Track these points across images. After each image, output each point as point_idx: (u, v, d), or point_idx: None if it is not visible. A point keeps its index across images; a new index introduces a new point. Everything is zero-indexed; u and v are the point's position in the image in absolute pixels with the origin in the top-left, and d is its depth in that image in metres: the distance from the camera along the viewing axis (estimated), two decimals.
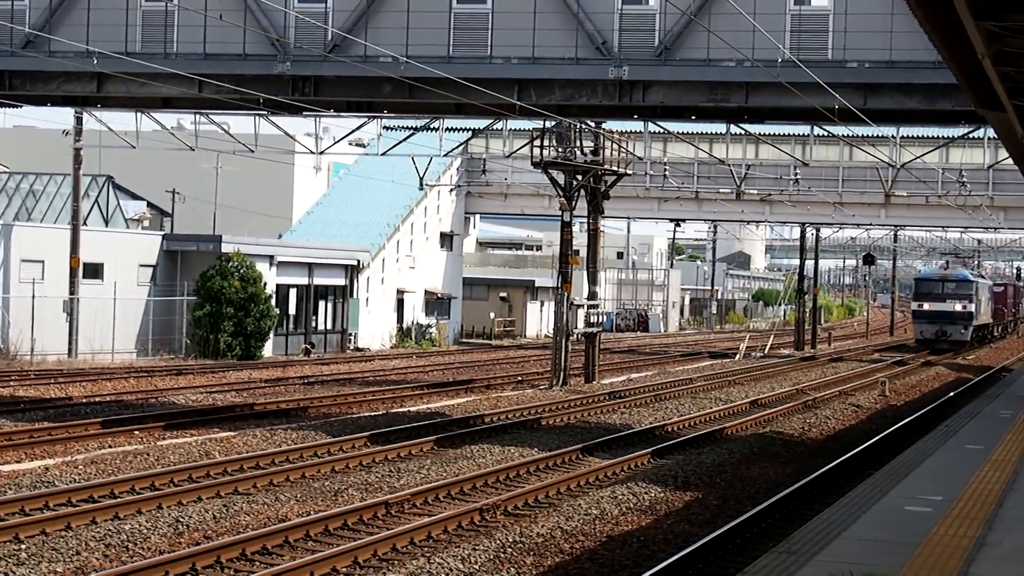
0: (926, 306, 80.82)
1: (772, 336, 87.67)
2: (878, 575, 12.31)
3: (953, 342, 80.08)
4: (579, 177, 47.08)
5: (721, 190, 70.52)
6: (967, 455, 21.06)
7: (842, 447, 31.49)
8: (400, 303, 74.50)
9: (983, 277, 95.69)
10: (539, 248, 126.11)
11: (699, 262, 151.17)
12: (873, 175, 66.82)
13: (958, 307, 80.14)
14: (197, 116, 41.97)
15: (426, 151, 52.93)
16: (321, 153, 46.76)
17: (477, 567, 17.71)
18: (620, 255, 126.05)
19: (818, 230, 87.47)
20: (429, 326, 76.37)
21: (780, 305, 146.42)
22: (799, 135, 60.54)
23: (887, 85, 29.22)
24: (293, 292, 62.79)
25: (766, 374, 56.73)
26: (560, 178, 47.10)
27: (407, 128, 51.28)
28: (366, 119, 40.07)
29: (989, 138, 59.90)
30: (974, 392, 45.38)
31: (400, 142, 44.87)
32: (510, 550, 18.64)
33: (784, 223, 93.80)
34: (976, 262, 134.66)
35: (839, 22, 28.74)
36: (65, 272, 53.16)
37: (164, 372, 46.91)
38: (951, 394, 45.35)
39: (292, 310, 62.86)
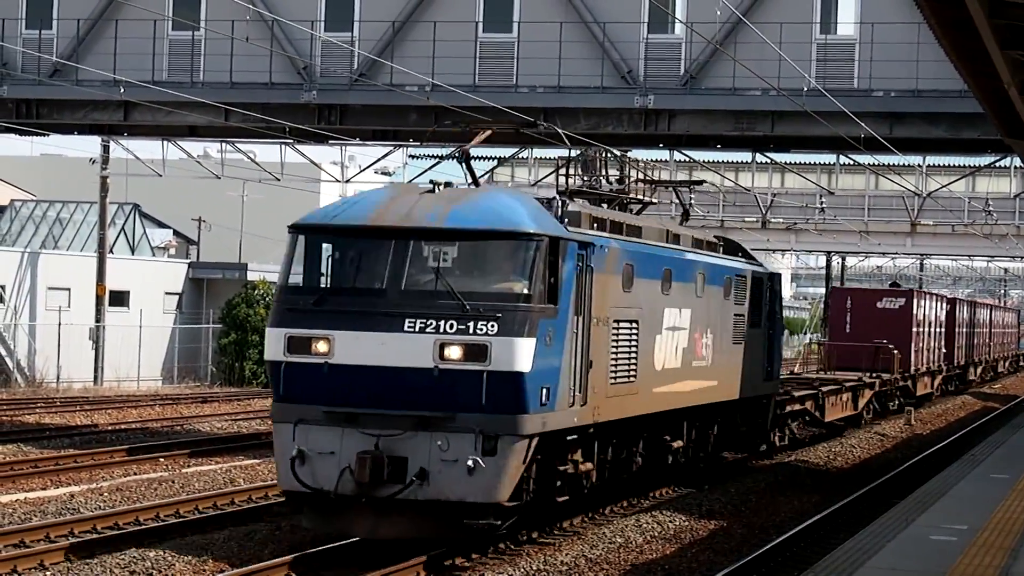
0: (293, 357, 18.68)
1: (799, 364, 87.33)
2: None
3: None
4: (604, 206, 46.97)
5: (747, 219, 70.41)
6: (992, 484, 20.96)
7: (867, 476, 31.36)
8: None
9: (728, 253, 28.25)
10: None
11: None
12: (899, 204, 66.66)
13: (453, 352, 18.00)
14: (223, 144, 42.12)
15: (451, 179, 52.97)
16: (347, 181, 46.93)
17: None
18: None
19: (844, 259, 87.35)
20: None
21: (806, 333, 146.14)
22: (825, 164, 60.52)
23: (913, 114, 29.22)
24: None
25: None
26: None
27: (433, 156, 51.36)
28: (392, 147, 40.18)
29: (1016, 167, 59.77)
30: (1000, 421, 45.14)
31: (426, 170, 45.03)
32: None
33: (810, 252, 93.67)
34: (1003, 291, 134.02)
35: (865, 51, 28.77)
36: (91, 300, 53.34)
37: (189, 400, 46.96)
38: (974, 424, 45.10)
39: None
